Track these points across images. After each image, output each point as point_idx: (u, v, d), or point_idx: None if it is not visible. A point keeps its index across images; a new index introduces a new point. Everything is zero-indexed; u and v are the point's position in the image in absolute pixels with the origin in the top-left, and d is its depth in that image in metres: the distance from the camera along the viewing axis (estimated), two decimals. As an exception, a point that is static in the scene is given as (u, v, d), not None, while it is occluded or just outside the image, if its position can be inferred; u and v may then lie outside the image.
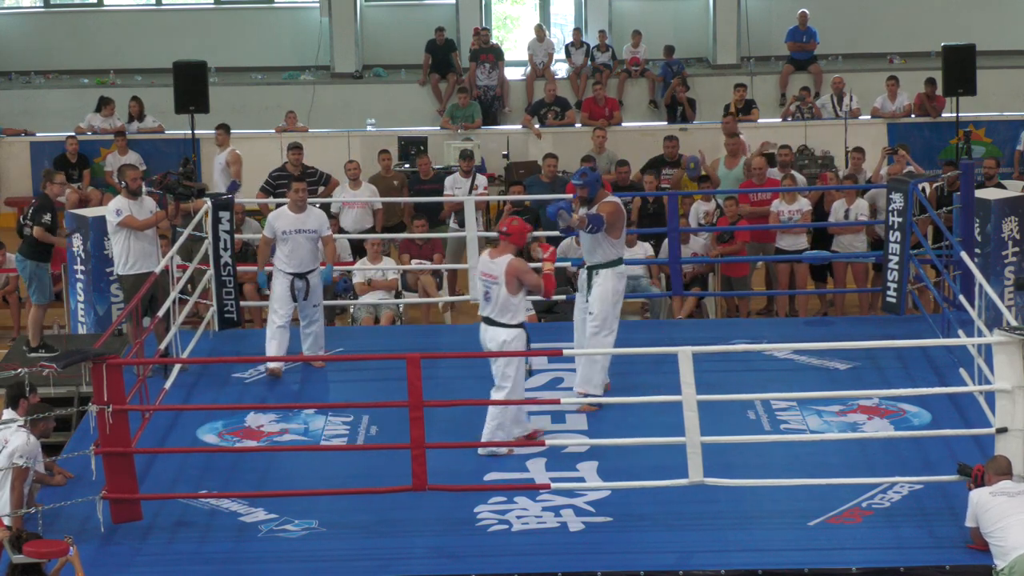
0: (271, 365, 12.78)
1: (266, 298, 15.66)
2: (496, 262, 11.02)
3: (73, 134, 20.32)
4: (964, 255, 12.74)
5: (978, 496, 9.45)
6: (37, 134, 21.31)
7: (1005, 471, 9.58)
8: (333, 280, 14.30)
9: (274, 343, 12.84)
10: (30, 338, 13.46)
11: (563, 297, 14.95)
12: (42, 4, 25.08)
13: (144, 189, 12.93)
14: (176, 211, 12.99)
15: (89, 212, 14.25)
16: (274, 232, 12.78)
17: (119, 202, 12.77)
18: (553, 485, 10.25)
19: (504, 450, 10.95)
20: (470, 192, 16.31)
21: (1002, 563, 9.16)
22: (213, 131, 19.03)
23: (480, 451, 10.95)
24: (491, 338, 11.08)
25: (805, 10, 23.02)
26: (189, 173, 13.32)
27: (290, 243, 12.75)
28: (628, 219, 16.80)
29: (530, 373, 11.50)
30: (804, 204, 15.59)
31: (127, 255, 12.74)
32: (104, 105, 21.04)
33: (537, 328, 14.18)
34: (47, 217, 13.15)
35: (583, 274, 12.00)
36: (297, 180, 13.16)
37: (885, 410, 11.64)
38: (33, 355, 13.16)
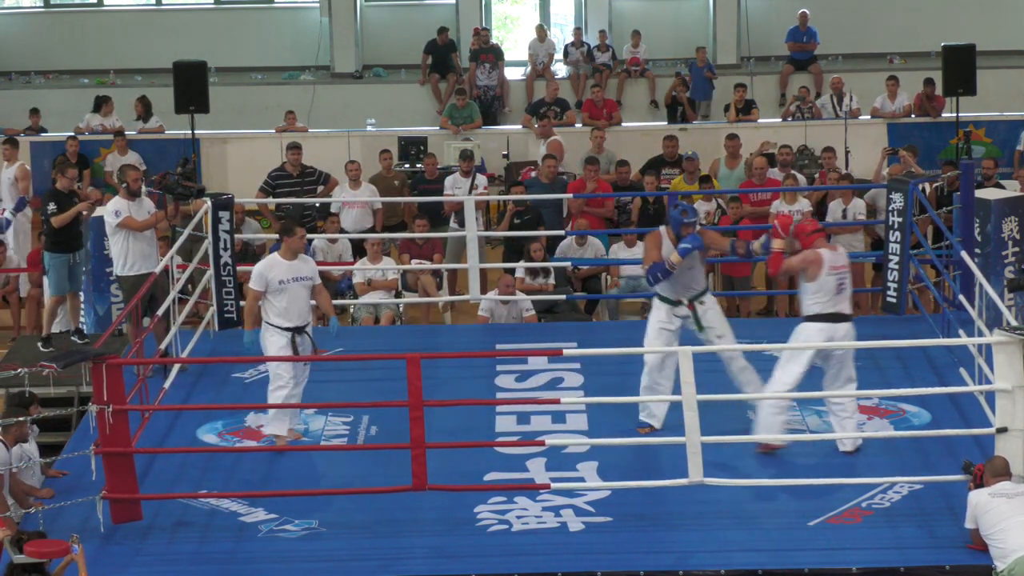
0: (286, 437, 11.32)
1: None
2: (839, 253, 10.96)
3: (73, 135, 20.29)
4: (964, 255, 12.74)
5: (977, 498, 9.44)
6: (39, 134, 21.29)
7: (1003, 472, 9.56)
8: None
9: (286, 418, 11.30)
10: (43, 328, 13.47)
11: (564, 297, 14.98)
12: (42, 4, 25.08)
13: (144, 190, 12.91)
14: (176, 211, 12.97)
15: (89, 212, 14.25)
16: (266, 284, 11.28)
17: (118, 203, 12.74)
18: (553, 485, 10.25)
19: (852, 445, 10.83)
20: (470, 192, 16.31)
21: (1002, 565, 9.15)
22: (213, 131, 19.05)
23: (847, 447, 10.80)
24: (848, 331, 10.84)
25: (805, 10, 23.01)
26: (189, 173, 13.27)
27: (287, 294, 11.29)
28: (629, 219, 16.89)
29: None
30: (805, 205, 15.58)
31: (126, 256, 12.71)
32: (103, 104, 21.02)
33: (537, 328, 14.22)
34: (52, 207, 13.09)
35: (681, 311, 11.41)
36: (300, 225, 11.71)
37: (885, 410, 11.64)
38: (40, 344, 13.21)
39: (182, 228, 13.36)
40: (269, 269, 11.32)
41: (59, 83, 23.63)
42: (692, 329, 11.48)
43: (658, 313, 11.50)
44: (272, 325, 11.32)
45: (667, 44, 23.95)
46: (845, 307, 10.91)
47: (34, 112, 21.25)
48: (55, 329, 13.56)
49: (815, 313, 10.89)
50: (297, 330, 11.32)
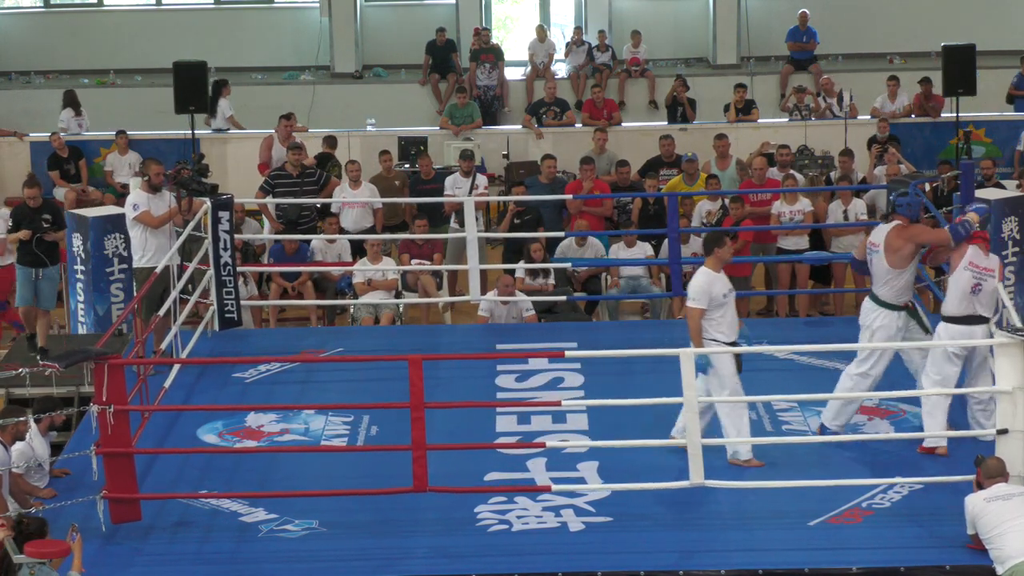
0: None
1: (264, 297, 15.73)
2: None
3: (56, 131, 20.13)
4: (964, 255, 12.70)
5: (973, 503, 9.43)
6: (30, 134, 21.19)
7: (998, 473, 9.54)
8: None
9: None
10: (39, 337, 13.47)
11: (564, 297, 14.98)
12: (42, 4, 25.08)
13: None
14: (189, 206, 12.93)
15: (89, 212, 14.24)
16: (710, 299, 10.76)
17: (137, 196, 12.75)
18: (554, 486, 10.24)
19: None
20: (470, 192, 16.31)
21: (1001, 569, 9.12)
22: (213, 131, 18.90)
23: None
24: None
25: (805, 10, 23.02)
26: (203, 169, 13.24)
27: (729, 307, 10.86)
28: (629, 219, 16.89)
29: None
30: (805, 205, 15.58)
31: (143, 248, 12.71)
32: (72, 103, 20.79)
33: (537, 328, 14.21)
34: (9, 222, 13.15)
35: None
36: (731, 237, 11.23)
37: (885, 410, 11.65)
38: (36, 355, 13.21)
39: (182, 228, 13.35)
40: (712, 284, 10.78)
41: (59, 83, 23.57)
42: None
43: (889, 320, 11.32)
44: (715, 341, 10.80)
45: (667, 44, 23.95)
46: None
47: None
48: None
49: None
50: (734, 344, 10.89)
